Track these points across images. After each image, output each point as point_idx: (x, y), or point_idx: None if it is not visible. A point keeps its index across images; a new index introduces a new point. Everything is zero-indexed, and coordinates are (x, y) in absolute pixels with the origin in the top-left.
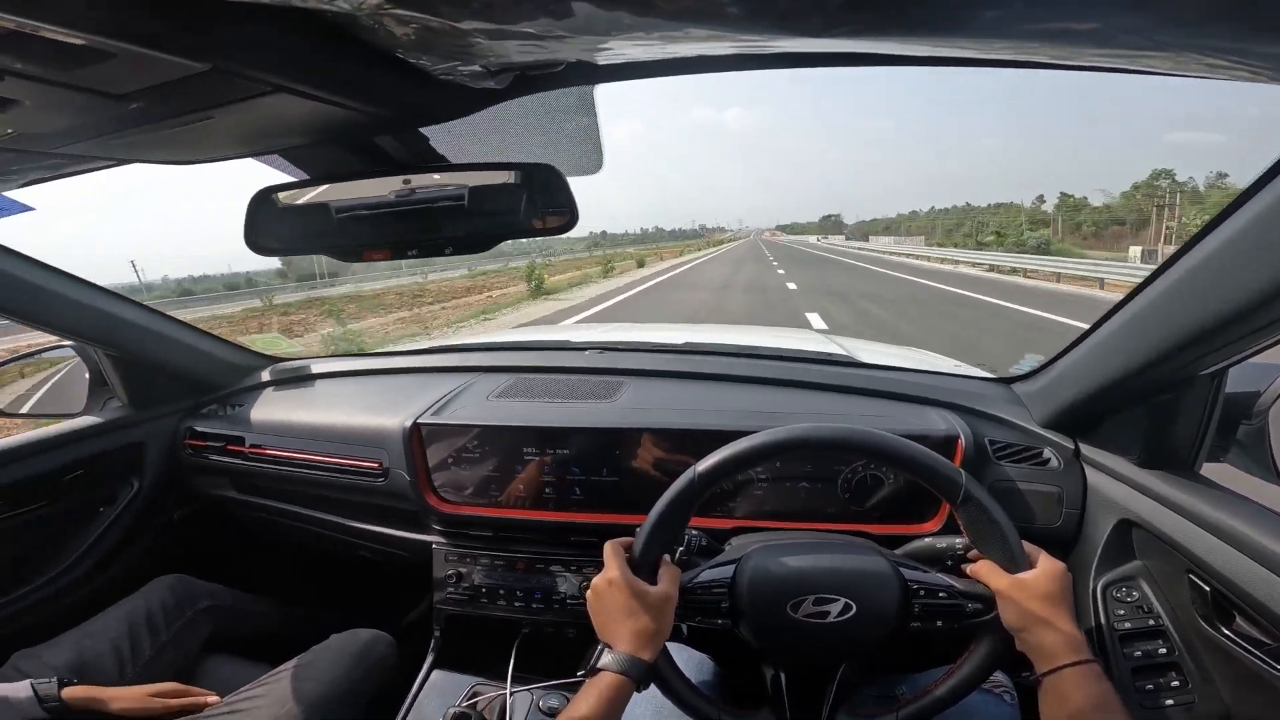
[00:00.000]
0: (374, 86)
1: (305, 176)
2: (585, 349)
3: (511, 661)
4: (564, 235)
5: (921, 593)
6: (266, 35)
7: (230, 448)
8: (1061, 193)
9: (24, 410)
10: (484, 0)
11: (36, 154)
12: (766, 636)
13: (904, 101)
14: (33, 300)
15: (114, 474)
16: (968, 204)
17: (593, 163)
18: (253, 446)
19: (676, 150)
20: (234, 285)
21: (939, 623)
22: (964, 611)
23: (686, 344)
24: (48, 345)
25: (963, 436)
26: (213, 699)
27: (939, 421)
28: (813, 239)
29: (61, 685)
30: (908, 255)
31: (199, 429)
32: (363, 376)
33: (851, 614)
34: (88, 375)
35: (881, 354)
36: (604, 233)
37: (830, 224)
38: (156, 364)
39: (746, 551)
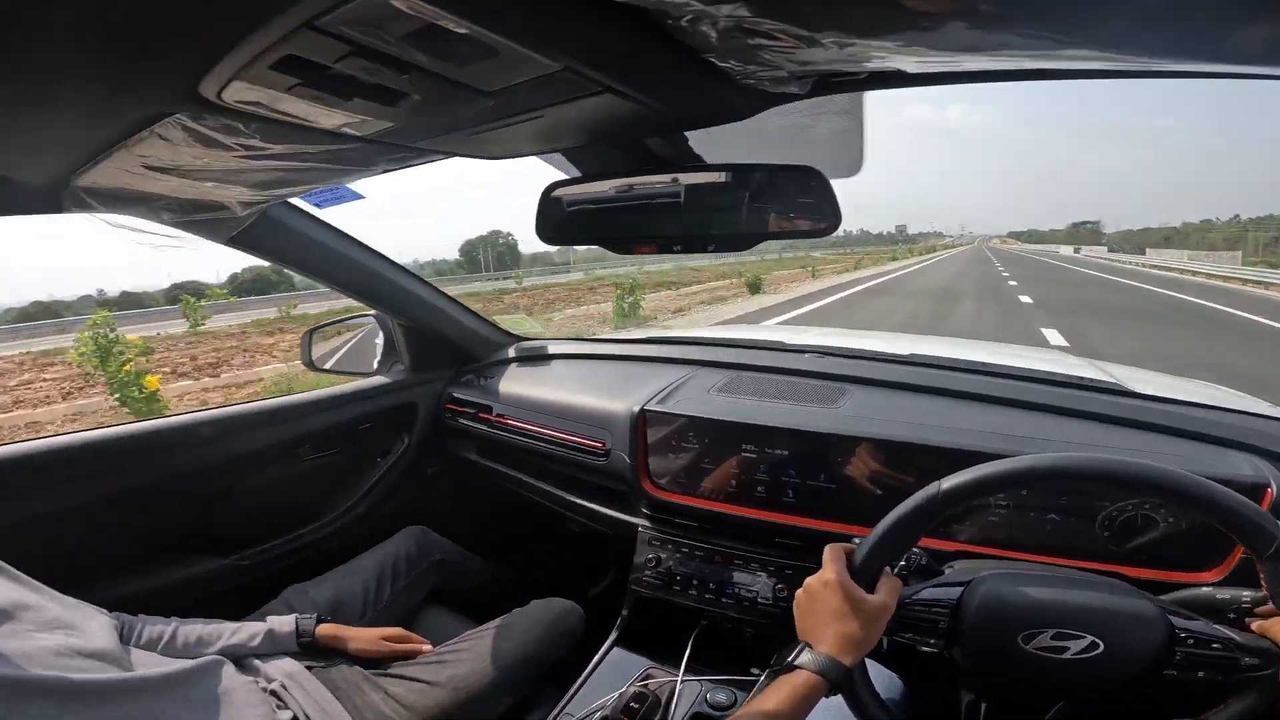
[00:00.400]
0: (682, 88)
1: (578, 174)
2: (805, 352)
3: (687, 651)
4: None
5: (1190, 641)
6: (608, 37)
7: (480, 415)
8: None
9: (333, 367)
10: (830, 13)
11: (397, 146)
12: (985, 664)
13: (1183, 98)
14: (356, 275)
15: (392, 429)
16: (1186, 222)
17: (853, 164)
18: (498, 415)
19: (886, 149)
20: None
21: (1200, 673)
22: (1238, 665)
23: (912, 355)
24: (358, 313)
25: (1274, 486)
26: (426, 647)
27: (1244, 466)
28: (1064, 250)
29: (318, 622)
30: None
31: (458, 395)
32: (594, 360)
33: (1097, 653)
34: (381, 341)
35: (1158, 384)
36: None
37: (1085, 232)
38: (435, 334)
39: (977, 576)
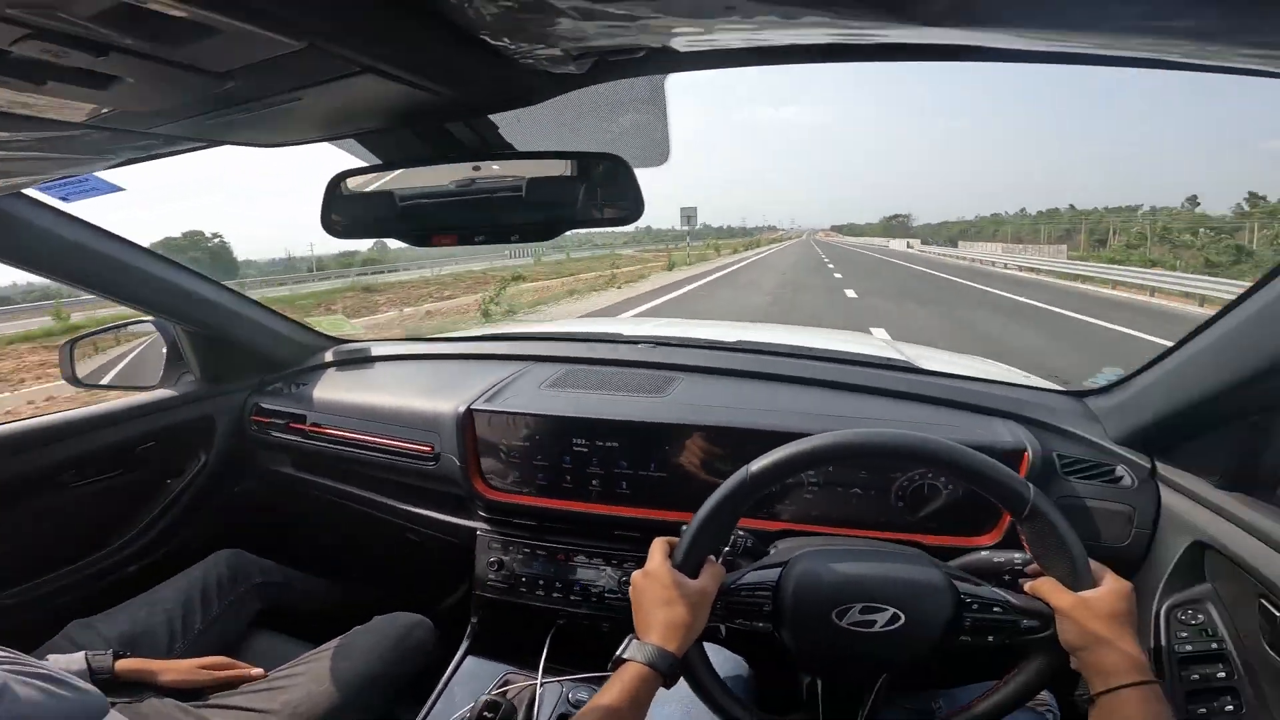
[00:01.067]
0: (456, 68)
1: (378, 161)
2: (639, 342)
3: (544, 652)
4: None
5: (975, 607)
6: (360, 13)
7: (292, 425)
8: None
9: (104, 381)
10: None
11: (134, 134)
12: (808, 642)
13: (980, 100)
14: (118, 276)
15: (184, 447)
16: (1071, 206)
17: (659, 154)
18: (313, 425)
19: (729, 146)
20: (296, 268)
21: (990, 638)
22: (1019, 628)
23: (740, 342)
24: (130, 319)
25: (1029, 450)
26: (256, 673)
27: (1005, 433)
28: (894, 244)
29: (116, 658)
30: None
31: (265, 405)
32: (420, 360)
33: (899, 624)
34: (165, 350)
35: (945, 362)
36: (648, 228)
37: (896, 225)
38: (230, 340)
39: (794, 555)
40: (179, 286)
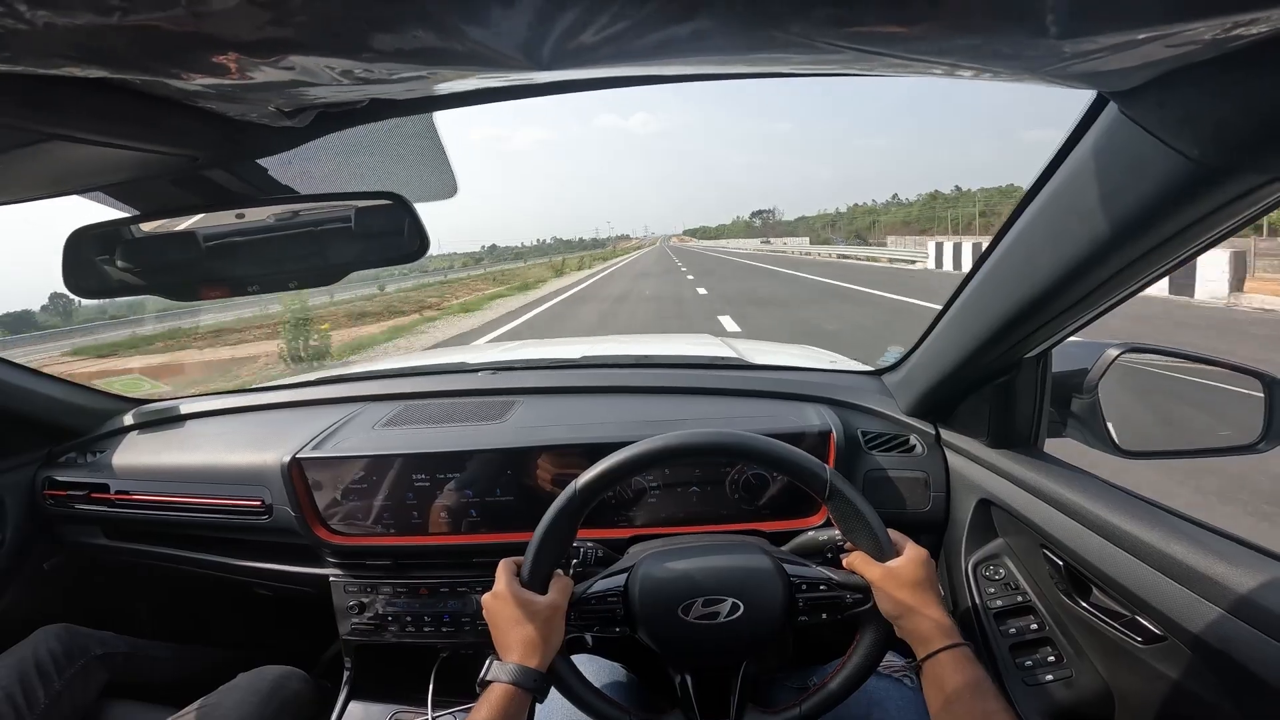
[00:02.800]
0: (166, 130)
1: (132, 212)
2: (479, 370)
3: (431, 686)
4: (404, 260)
5: (804, 587)
6: (24, 85)
7: (94, 495)
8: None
9: None
10: (213, 65)
11: None
12: (664, 641)
13: (799, 105)
14: None
15: None
16: (854, 205)
17: (445, 187)
18: (119, 493)
19: (578, 158)
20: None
21: (824, 615)
22: (845, 603)
23: (585, 357)
24: None
25: (834, 430)
26: None
27: (814, 417)
28: (738, 245)
29: None
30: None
31: (58, 478)
32: (238, 414)
33: (740, 613)
34: None
35: (771, 354)
36: (493, 246)
37: (760, 224)
38: (4, 413)
39: (638, 559)
40: None
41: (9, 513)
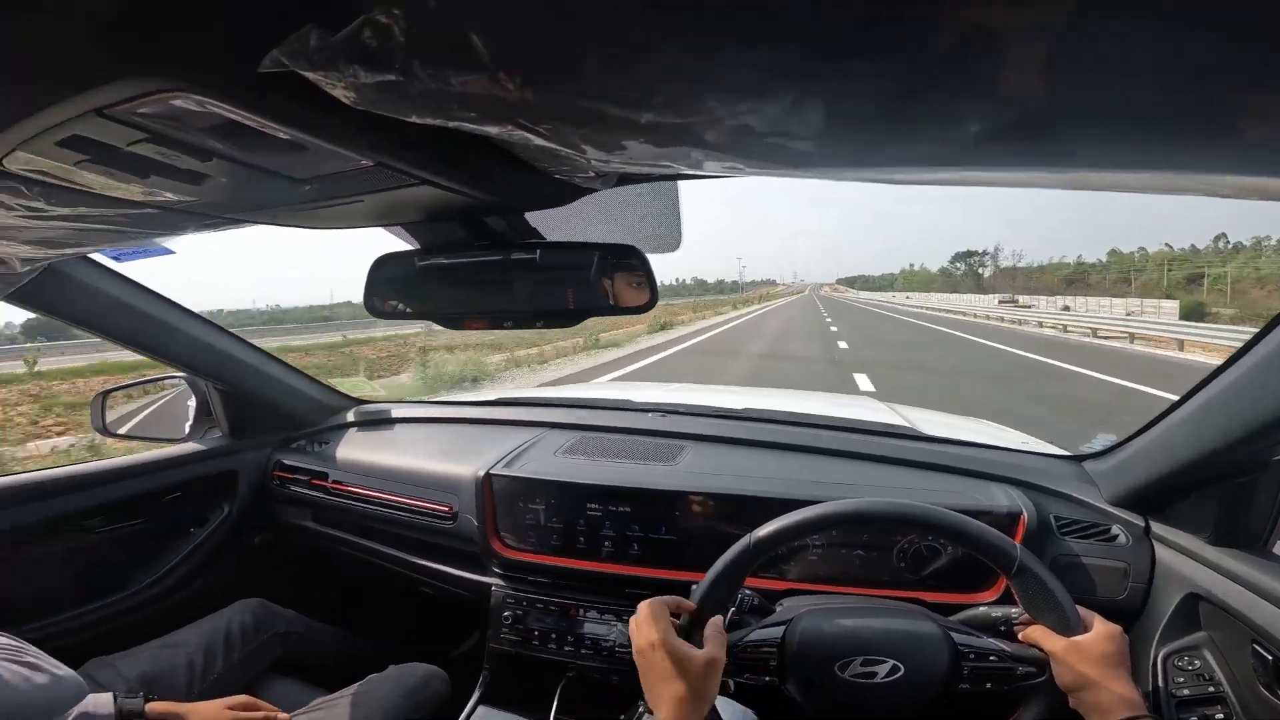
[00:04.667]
0: (499, 180)
1: (416, 246)
2: (648, 410)
3: (555, 704)
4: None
5: (972, 656)
6: (422, 139)
7: (314, 482)
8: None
9: (134, 433)
10: (598, 139)
11: (207, 215)
12: (815, 695)
13: None
14: (159, 335)
15: (208, 498)
16: (1113, 251)
17: (672, 241)
18: (335, 482)
19: (728, 196)
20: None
21: (988, 684)
22: (1015, 674)
23: (747, 409)
24: (163, 375)
25: (1025, 512)
26: (282, 717)
27: (1001, 497)
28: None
29: (146, 700)
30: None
31: (287, 462)
32: (439, 424)
33: (899, 675)
34: (194, 405)
35: (945, 426)
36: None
37: (967, 270)
38: (257, 399)
39: (798, 613)
40: (214, 347)
41: (241, 487)
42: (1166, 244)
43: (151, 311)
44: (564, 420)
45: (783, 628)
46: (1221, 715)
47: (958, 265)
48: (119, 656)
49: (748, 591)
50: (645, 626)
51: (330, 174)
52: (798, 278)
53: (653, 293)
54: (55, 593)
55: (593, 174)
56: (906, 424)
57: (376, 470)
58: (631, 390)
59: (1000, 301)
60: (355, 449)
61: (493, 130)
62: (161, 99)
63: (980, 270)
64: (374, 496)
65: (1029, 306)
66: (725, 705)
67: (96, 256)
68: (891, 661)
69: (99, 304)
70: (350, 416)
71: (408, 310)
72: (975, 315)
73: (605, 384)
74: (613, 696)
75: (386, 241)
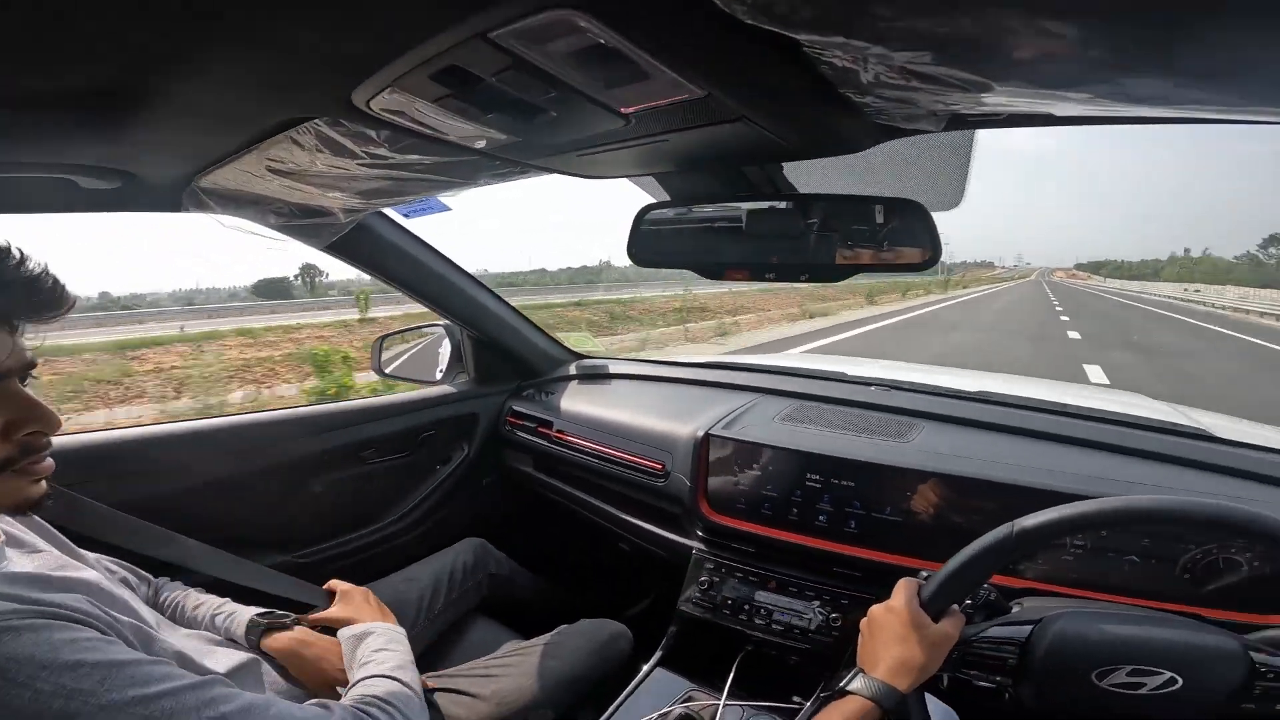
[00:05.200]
0: (810, 119)
1: (667, 198)
2: (871, 384)
3: (731, 675)
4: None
5: (1270, 675)
6: (755, 67)
7: (540, 429)
8: None
9: (400, 374)
10: (1005, 65)
11: (505, 162)
12: (1057, 702)
13: None
14: (433, 285)
15: (453, 438)
16: None
17: (953, 198)
18: (558, 431)
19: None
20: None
21: (1279, 706)
22: None
23: (981, 392)
24: (428, 322)
25: None
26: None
27: None
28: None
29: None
30: None
31: (518, 409)
32: (655, 382)
33: (1175, 688)
34: (447, 351)
35: (1239, 430)
36: None
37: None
38: (499, 347)
39: (1050, 614)
40: (471, 297)
41: (480, 430)
42: None
43: (427, 261)
44: (780, 387)
45: (1029, 627)
46: None
47: (1271, 251)
48: (372, 585)
49: (986, 586)
50: (892, 596)
51: (652, 107)
52: (1022, 260)
53: (935, 250)
54: (324, 519)
55: (925, 111)
56: (1190, 423)
57: (596, 422)
58: (842, 364)
59: None
60: (577, 400)
61: (843, 47)
62: (551, 17)
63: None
64: (591, 448)
65: None
66: (930, 701)
67: (388, 212)
68: (1169, 674)
69: (392, 255)
70: (573, 369)
71: (671, 258)
72: None
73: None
74: (791, 677)
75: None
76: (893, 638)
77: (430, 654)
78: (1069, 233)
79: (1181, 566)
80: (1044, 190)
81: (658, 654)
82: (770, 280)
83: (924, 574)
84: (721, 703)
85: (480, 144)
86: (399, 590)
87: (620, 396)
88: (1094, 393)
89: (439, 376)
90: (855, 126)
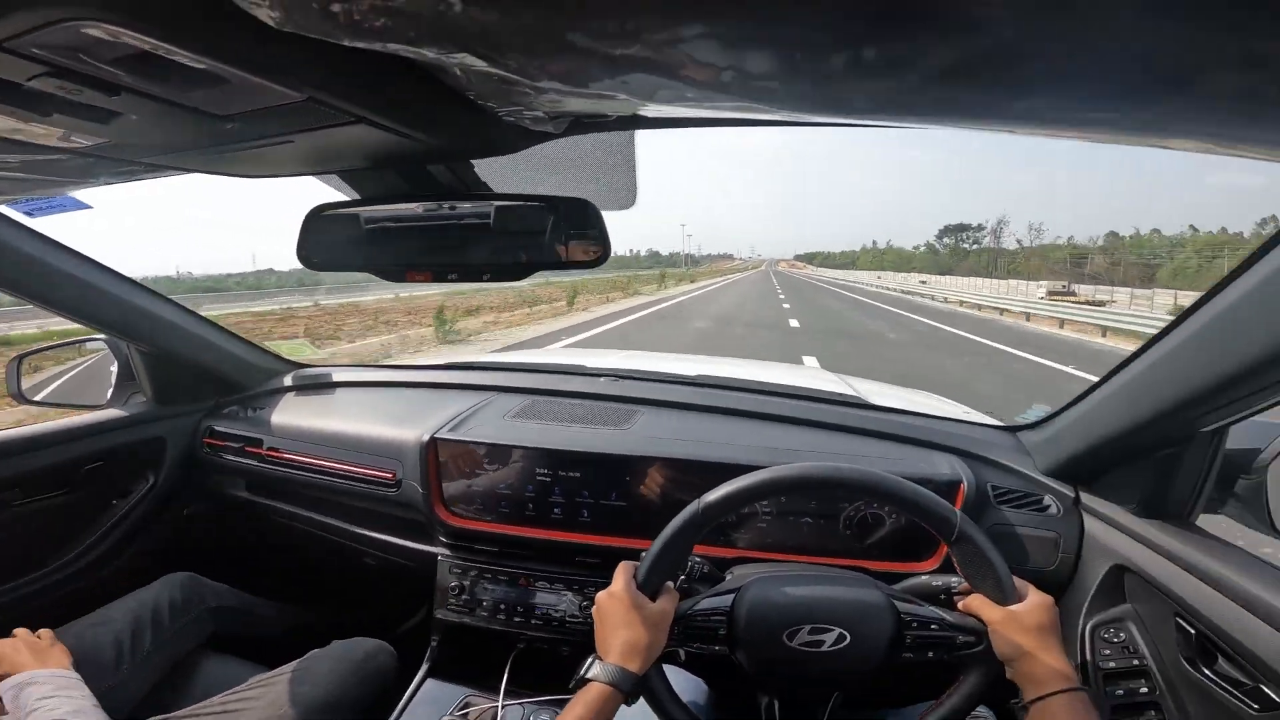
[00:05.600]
0: (442, 121)
1: (357, 196)
2: (601, 375)
3: (505, 675)
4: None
5: (914, 624)
6: (358, 71)
7: (248, 449)
8: None
9: (51, 399)
10: (558, 67)
11: (121, 161)
12: (762, 664)
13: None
14: (73, 292)
15: (132, 468)
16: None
17: (627, 198)
18: (270, 449)
19: (692, 172)
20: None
21: (930, 654)
22: (955, 643)
23: (700, 376)
24: (81, 336)
25: (965, 481)
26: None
27: (943, 466)
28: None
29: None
30: None
31: (219, 428)
32: (383, 388)
33: (845, 644)
34: (115, 368)
35: (892, 397)
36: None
37: (948, 252)
38: (184, 361)
39: (746, 581)
40: (132, 304)
41: (169, 456)
42: (1156, 229)
43: (63, 267)
44: (514, 384)
45: (731, 596)
46: (1146, 689)
47: (943, 242)
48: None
49: (698, 559)
50: (613, 582)
51: (256, 110)
52: (755, 252)
53: (605, 248)
54: None
55: (543, 114)
56: (855, 393)
57: (315, 436)
58: (585, 356)
59: (1050, 293)
60: (292, 414)
61: (435, 57)
62: (66, 27)
63: (967, 247)
64: (311, 463)
65: (1104, 303)
66: (676, 675)
67: (7, 211)
68: (838, 630)
69: (9, 260)
70: (288, 380)
71: (347, 261)
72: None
73: (558, 350)
74: (565, 668)
75: (322, 193)
76: (618, 622)
77: (157, 696)
78: (789, 227)
79: (843, 523)
80: (770, 188)
81: (424, 666)
82: (453, 281)
83: (643, 552)
84: (500, 703)
85: (61, 143)
86: (90, 635)
87: (345, 406)
88: (785, 370)
89: (107, 399)
90: (489, 128)
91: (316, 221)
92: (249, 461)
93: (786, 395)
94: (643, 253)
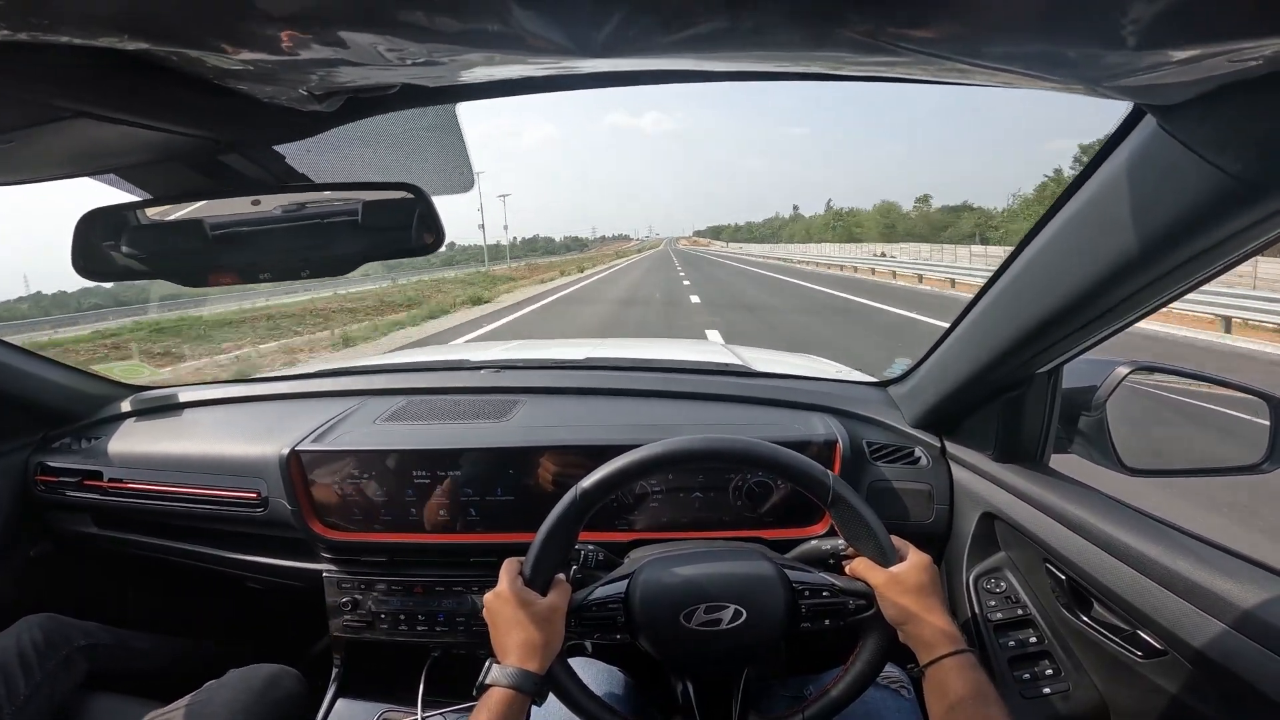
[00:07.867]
0: (192, 111)
1: (147, 196)
2: (481, 368)
3: (421, 685)
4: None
5: (807, 593)
6: (55, 61)
7: (87, 483)
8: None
9: None
10: (263, 38)
11: None
12: (665, 648)
13: (813, 110)
14: None
15: None
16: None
17: (462, 181)
18: (112, 481)
19: (581, 154)
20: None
21: (827, 621)
22: (848, 609)
23: (588, 359)
24: None
25: (840, 440)
26: None
27: (820, 427)
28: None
29: None
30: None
31: (51, 464)
32: (238, 404)
33: (742, 620)
34: None
35: (776, 362)
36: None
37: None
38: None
39: (638, 565)
40: None
41: None
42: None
43: None
44: (388, 386)
45: (625, 582)
46: (1035, 639)
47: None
48: None
49: (591, 546)
50: (498, 582)
51: None
52: (653, 232)
53: (437, 234)
54: None
55: (306, 93)
56: (739, 362)
57: (162, 461)
58: (471, 350)
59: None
60: (134, 441)
61: (115, 43)
62: None
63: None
64: (162, 491)
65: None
66: (588, 665)
67: None
68: (733, 606)
69: None
70: (125, 406)
71: (135, 269)
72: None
73: (444, 347)
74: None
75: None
76: (509, 622)
77: None
78: (687, 202)
79: (733, 495)
80: (666, 167)
81: (332, 687)
82: (266, 280)
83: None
84: (419, 715)
85: None
86: None
87: (195, 427)
88: (676, 346)
89: None
90: (253, 113)
91: (94, 226)
92: (90, 495)
93: (670, 370)
94: (541, 237)
